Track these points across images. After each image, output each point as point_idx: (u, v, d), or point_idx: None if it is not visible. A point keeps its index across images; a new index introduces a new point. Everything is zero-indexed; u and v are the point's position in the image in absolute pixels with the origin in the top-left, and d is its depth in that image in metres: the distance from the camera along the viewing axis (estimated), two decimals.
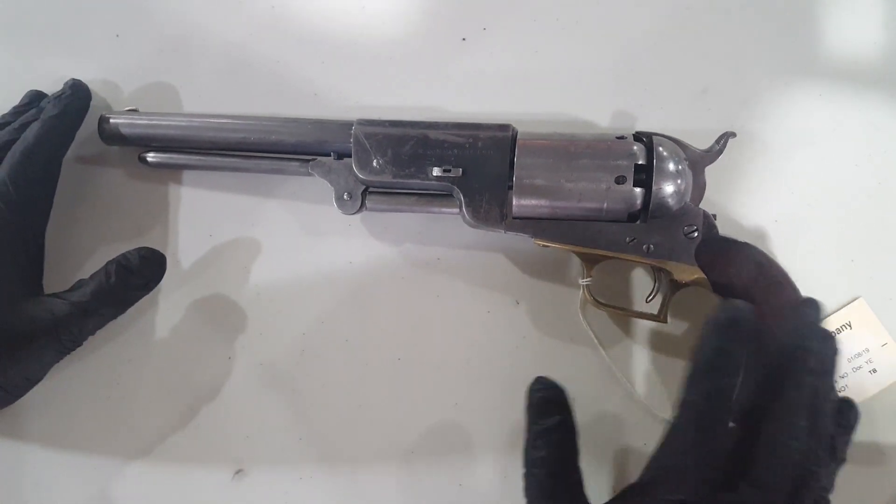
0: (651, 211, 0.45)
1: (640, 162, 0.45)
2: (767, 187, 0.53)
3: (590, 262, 0.49)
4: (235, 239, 0.54)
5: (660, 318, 0.49)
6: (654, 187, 0.45)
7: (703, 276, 0.47)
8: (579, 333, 0.51)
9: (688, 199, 0.47)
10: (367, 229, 0.53)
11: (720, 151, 0.49)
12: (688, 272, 0.47)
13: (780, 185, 0.53)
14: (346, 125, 0.49)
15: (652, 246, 0.46)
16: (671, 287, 0.48)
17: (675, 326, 0.53)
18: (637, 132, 0.47)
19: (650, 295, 0.50)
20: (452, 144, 0.47)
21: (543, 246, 0.47)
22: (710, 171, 0.48)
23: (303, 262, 0.53)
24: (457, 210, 0.48)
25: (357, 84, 0.55)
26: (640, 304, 0.51)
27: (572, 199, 0.45)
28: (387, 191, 0.49)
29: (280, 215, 0.54)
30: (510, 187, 0.46)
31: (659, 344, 0.52)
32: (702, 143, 0.48)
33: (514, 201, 0.46)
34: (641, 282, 0.52)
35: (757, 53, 0.55)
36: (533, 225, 0.47)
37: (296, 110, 0.53)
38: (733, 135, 0.48)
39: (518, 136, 0.47)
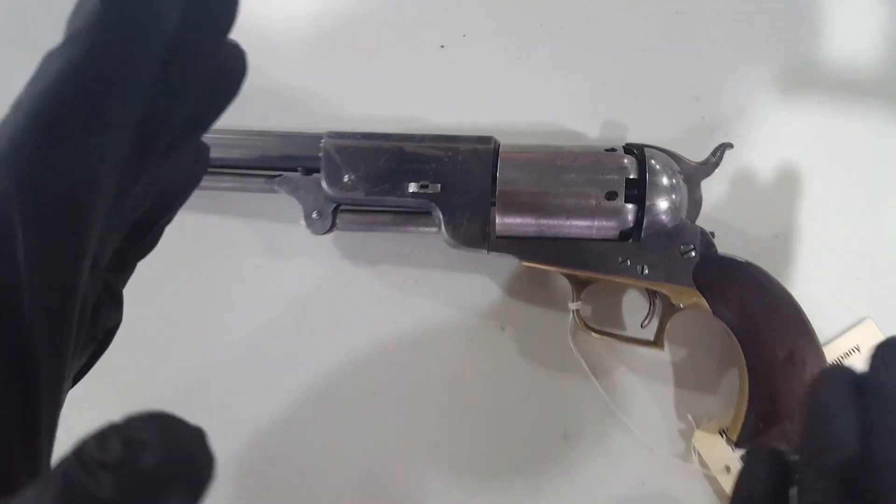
0: (644, 229, 0.43)
1: (631, 176, 0.43)
2: (766, 201, 0.50)
3: (579, 284, 0.46)
4: (196, 262, 0.50)
5: (656, 344, 0.46)
6: (647, 203, 0.43)
7: (701, 298, 0.44)
8: (570, 361, 0.49)
9: (683, 216, 0.45)
10: (339, 250, 0.50)
11: (717, 164, 0.46)
12: (685, 294, 0.44)
13: (780, 198, 0.50)
14: (314, 138, 0.46)
15: (646, 267, 0.44)
16: (667, 311, 0.46)
17: (673, 353, 0.49)
18: (627, 144, 0.45)
19: (645, 319, 0.48)
20: (430, 158, 0.45)
21: (529, 267, 0.45)
22: (706, 185, 0.46)
23: (269, 286, 0.50)
24: (436, 229, 0.46)
25: (329, 94, 0.52)
26: (634, 329, 0.49)
27: (560, 216, 0.43)
28: (359, 209, 0.47)
29: (244, 236, 0.51)
30: (493, 204, 0.44)
31: (655, 371, 0.49)
32: (696, 154, 0.46)
33: (498, 219, 0.44)
34: (635, 305, 0.49)
35: (752, 59, 0.52)
36: (518, 245, 0.44)
37: (262, 122, 0.49)
38: (730, 146, 0.46)
39: (500, 149, 0.45)
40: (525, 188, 0.43)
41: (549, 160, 0.44)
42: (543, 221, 0.43)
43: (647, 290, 0.47)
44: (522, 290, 0.50)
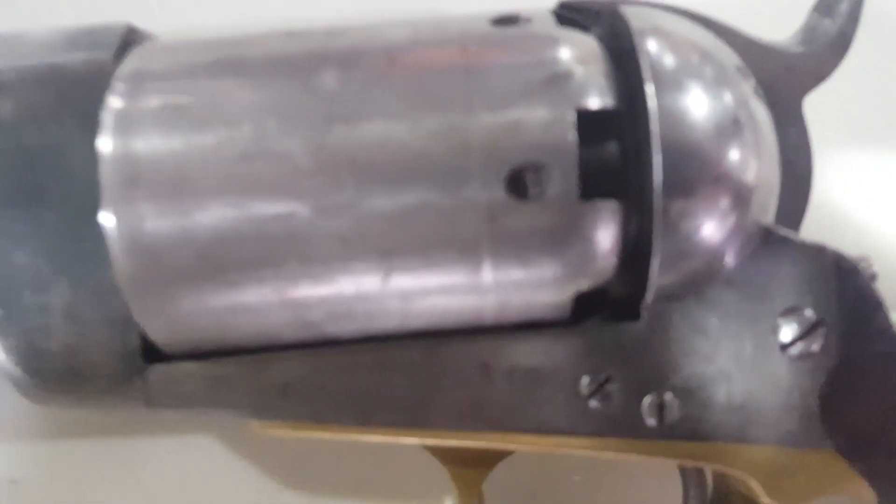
0: (655, 274, 0.15)
1: (590, 103, 0.14)
2: None
3: (465, 466, 0.18)
4: None
5: None
6: (654, 189, 0.14)
7: (852, 479, 0.16)
8: None
9: (771, 216, 0.16)
10: None
11: (844, 46, 0.16)
12: (805, 471, 0.16)
13: None
14: None
15: (673, 408, 0.16)
16: None
17: None
18: None
19: None
20: None
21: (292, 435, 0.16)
22: None
23: None
24: None
25: None
26: None
27: (358, 261, 0.15)
28: None
29: None
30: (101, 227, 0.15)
31: None
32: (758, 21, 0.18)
33: (134, 298, 0.15)
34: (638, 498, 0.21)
35: None
36: (239, 373, 0.16)
37: None
38: None
39: (132, 54, 0.16)
40: (218, 175, 0.14)
41: (295, 71, 0.15)
42: (305, 291, 0.15)
43: (684, 470, 0.19)
44: (295, 482, 0.22)
